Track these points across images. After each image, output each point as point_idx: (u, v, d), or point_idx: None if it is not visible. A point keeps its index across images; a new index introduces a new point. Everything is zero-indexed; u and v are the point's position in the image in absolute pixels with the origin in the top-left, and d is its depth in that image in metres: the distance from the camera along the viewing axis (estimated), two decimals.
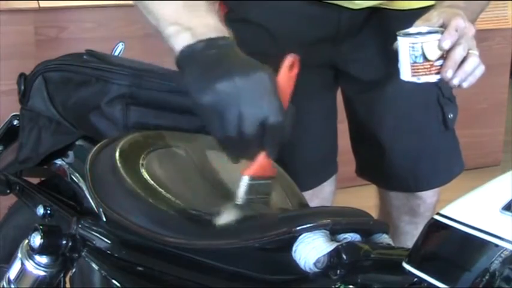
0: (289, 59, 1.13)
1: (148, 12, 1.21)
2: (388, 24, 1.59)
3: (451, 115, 1.69)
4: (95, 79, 1.41)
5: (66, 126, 1.45)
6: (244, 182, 1.13)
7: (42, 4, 2.69)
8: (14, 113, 1.60)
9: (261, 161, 1.12)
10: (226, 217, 1.12)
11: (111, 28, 2.76)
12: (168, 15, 1.17)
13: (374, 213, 1.78)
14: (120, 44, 1.64)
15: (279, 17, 1.60)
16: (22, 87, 1.51)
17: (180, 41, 1.13)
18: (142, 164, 1.25)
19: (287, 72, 1.13)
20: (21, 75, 1.52)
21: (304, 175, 1.58)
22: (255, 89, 1.07)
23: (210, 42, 1.12)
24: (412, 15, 1.44)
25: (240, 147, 1.10)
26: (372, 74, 1.65)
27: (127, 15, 2.75)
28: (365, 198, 1.81)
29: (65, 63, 1.49)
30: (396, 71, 1.56)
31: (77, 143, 1.45)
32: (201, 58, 1.11)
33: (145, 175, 1.23)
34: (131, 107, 1.39)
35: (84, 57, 1.49)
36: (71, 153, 1.45)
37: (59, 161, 1.46)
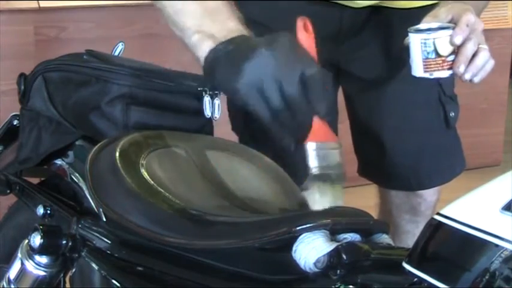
0: (300, 20, 1.15)
1: (172, 23, 1.22)
2: (389, 23, 1.60)
3: (453, 113, 1.69)
4: (95, 79, 1.41)
5: (66, 126, 1.45)
6: (311, 148, 1.10)
7: (42, 4, 2.69)
8: (14, 113, 1.59)
9: (318, 126, 1.10)
10: (312, 192, 1.12)
11: (111, 28, 2.75)
12: (191, 25, 1.19)
13: (374, 213, 1.77)
14: (120, 44, 1.64)
15: (281, 16, 1.59)
16: (22, 87, 1.51)
17: (204, 48, 1.15)
18: (142, 164, 1.25)
19: (304, 32, 1.14)
20: (21, 75, 1.52)
21: (305, 175, 1.58)
22: (281, 53, 1.08)
23: (229, 41, 1.13)
24: (414, 14, 1.44)
25: (292, 117, 1.09)
26: (373, 73, 1.65)
27: (127, 15, 2.75)
28: (365, 198, 1.80)
29: (64, 63, 1.49)
30: (397, 69, 1.56)
31: (77, 143, 1.45)
32: (223, 56, 1.12)
33: (145, 175, 1.23)
34: (131, 107, 1.39)
35: (84, 57, 1.49)
36: (71, 153, 1.45)
37: (59, 161, 1.46)
